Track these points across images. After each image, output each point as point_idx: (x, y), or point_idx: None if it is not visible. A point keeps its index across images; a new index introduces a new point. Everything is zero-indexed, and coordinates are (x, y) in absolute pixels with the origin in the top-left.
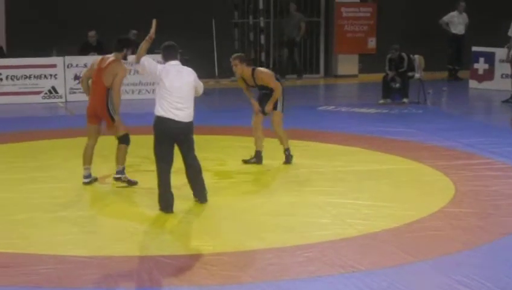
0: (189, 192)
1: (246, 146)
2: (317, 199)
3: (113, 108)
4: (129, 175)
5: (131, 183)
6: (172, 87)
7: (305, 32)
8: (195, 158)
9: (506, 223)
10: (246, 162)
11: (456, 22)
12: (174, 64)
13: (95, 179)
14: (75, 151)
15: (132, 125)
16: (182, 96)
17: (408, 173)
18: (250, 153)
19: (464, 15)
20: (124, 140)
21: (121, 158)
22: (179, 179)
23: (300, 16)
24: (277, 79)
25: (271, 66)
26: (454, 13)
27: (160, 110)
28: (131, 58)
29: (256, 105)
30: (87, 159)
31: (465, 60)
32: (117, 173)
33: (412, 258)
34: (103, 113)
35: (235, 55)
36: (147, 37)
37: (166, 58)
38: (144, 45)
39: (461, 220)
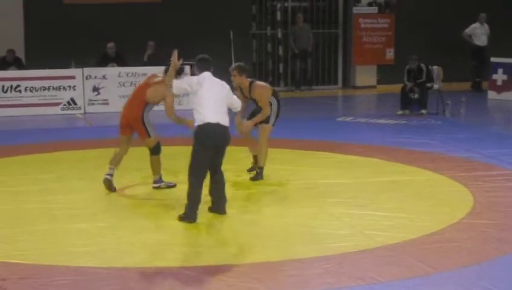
0: (205, 202)
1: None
2: (336, 210)
3: (150, 125)
4: (137, 188)
5: (170, 186)
6: (209, 96)
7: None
8: (222, 172)
9: None
10: (250, 171)
11: (479, 33)
12: (207, 76)
13: (113, 188)
14: (93, 162)
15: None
16: (218, 105)
17: (427, 184)
18: (270, 164)
19: (486, 26)
20: (154, 151)
21: (156, 168)
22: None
23: (309, 26)
24: (274, 94)
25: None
26: (476, 25)
27: (202, 118)
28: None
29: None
30: (114, 162)
31: (487, 71)
32: (155, 182)
33: (432, 270)
34: (137, 125)
35: (235, 65)
36: (172, 65)
37: (200, 69)
38: (171, 72)
39: (480, 232)
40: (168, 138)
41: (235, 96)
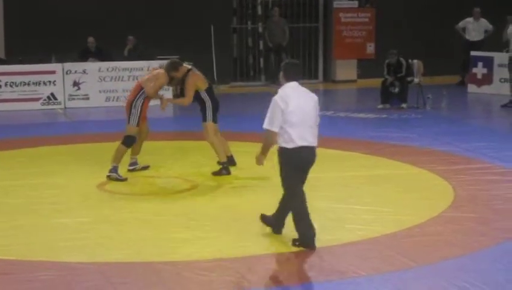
0: (187, 197)
1: (247, 151)
2: (317, 204)
3: (135, 114)
4: (119, 183)
5: (120, 179)
6: (297, 112)
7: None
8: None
9: (506, 228)
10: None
11: (471, 28)
12: (293, 87)
13: (143, 168)
14: (74, 157)
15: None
16: (306, 121)
17: (407, 178)
18: (250, 158)
19: (482, 21)
20: (125, 140)
21: (116, 156)
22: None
23: (284, 20)
24: (210, 87)
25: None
26: (469, 19)
27: (290, 139)
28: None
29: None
30: (133, 151)
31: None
32: (109, 170)
33: (413, 263)
34: (126, 108)
35: (168, 64)
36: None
37: (288, 77)
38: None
39: (461, 225)
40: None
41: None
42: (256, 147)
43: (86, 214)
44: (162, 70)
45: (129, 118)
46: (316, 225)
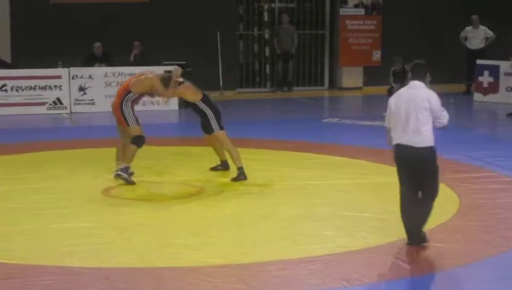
0: (191, 202)
1: (251, 157)
2: (322, 211)
3: (129, 115)
4: (122, 188)
5: (129, 182)
6: (400, 113)
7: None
8: (427, 196)
9: (511, 237)
10: (214, 169)
11: (470, 36)
12: (412, 85)
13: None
14: (79, 162)
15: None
16: (409, 122)
17: None
18: (255, 165)
19: (482, 29)
20: (134, 141)
21: (127, 156)
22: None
23: (293, 28)
24: (205, 97)
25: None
26: (468, 28)
27: (394, 139)
28: None
29: None
30: (117, 156)
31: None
32: (120, 169)
33: (417, 271)
34: (117, 112)
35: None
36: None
37: (413, 77)
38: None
39: (466, 233)
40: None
41: (442, 112)
42: (261, 154)
43: (90, 219)
44: (151, 75)
45: (126, 121)
46: (320, 232)
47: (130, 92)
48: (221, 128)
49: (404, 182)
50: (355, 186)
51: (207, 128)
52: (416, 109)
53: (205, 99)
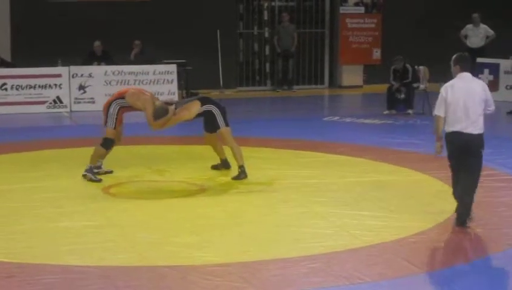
0: (192, 201)
1: (252, 156)
2: (322, 209)
3: (112, 117)
4: (123, 186)
5: (94, 180)
6: (454, 102)
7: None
8: (469, 176)
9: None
10: (214, 167)
11: (471, 34)
12: (464, 76)
13: (106, 172)
14: (79, 161)
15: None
16: (464, 110)
17: (413, 184)
18: (256, 163)
19: (482, 27)
20: (104, 142)
21: (93, 157)
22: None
23: (293, 26)
24: (204, 100)
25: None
26: (469, 26)
27: (447, 125)
28: None
29: None
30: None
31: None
32: (85, 170)
33: (418, 269)
34: (104, 110)
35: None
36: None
37: (462, 69)
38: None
39: (466, 232)
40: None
41: (491, 98)
42: (262, 152)
43: (91, 218)
44: (149, 97)
45: (107, 120)
46: (320, 230)
47: (124, 98)
48: (227, 125)
49: (456, 166)
50: (355, 185)
51: (211, 126)
52: (475, 99)
53: (205, 103)
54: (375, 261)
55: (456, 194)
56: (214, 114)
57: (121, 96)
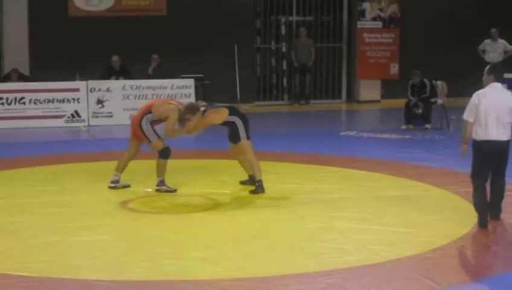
0: (209, 215)
1: (269, 170)
2: (340, 224)
3: (149, 131)
4: (140, 201)
5: (170, 191)
6: (486, 110)
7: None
8: (502, 180)
9: None
10: (243, 183)
11: (489, 49)
12: (493, 87)
13: (123, 186)
14: (97, 175)
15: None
16: (496, 119)
17: (431, 199)
18: (272, 177)
19: (501, 42)
20: (161, 154)
21: (159, 171)
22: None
23: (311, 41)
24: (232, 110)
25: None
26: (487, 41)
27: (477, 133)
28: None
29: None
30: (119, 167)
31: None
32: (157, 184)
33: (436, 286)
34: (136, 129)
35: (185, 108)
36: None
37: (495, 79)
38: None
39: (485, 248)
40: (174, 150)
41: None
42: (279, 167)
43: (108, 232)
44: (173, 107)
45: (147, 138)
46: (338, 245)
47: (150, 112)
48: (248, 138)
49: (480, 173)
50: (373, 200)
51: (234, 138)
52: (505, 109)
53: (232, 112)
54: (393, 277)
55: (481, 200)
56: (237, 126)
57: (147, 110)
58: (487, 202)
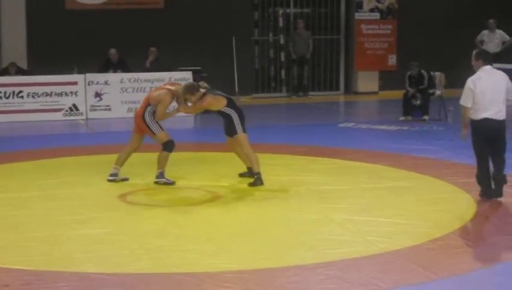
0: (207, 208)
1: (267, 163)
2: (338, 216)
3: (153, 123)
4: (139, 194)
5: (168, 183)
6: (484, 91)
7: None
8: (502, 157)
9: None
10: (242, 175)
11: (487, 40)
12: (486, 69)
13: (122, 179)
14: (95, 168)
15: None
16: (493, 99)
17: (429, 190)
18: (271, 170)
19: (498, 33)
20: (164, 147)
21: (160, 163)
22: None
23: (309, 33)
24: (230, 101)
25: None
26: (485, 32)
27: (477, 113)
28: None
29: None
30: (118, 161)
31: None
32: (156, 176)
33: (434, 276)
34: (140, 122)
35: (184, 88)
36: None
37: (485, 62)
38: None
39: (483, 238)
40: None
41: (511, 85)
42: (277, 159)
43: (107, 225)
44: (164, 91)
45: (150, 129)
46: (336, 237)
47: (149, 104)
48: (244, 131)
49: (481, 152)
50: (371, 191)
51: (230, 131)
52: (501, 89)
53: (230, 103)
54: (391, 268)
55: (484, 175)
56: (232, 119)
57: (147, 103)
58: (489, 175)
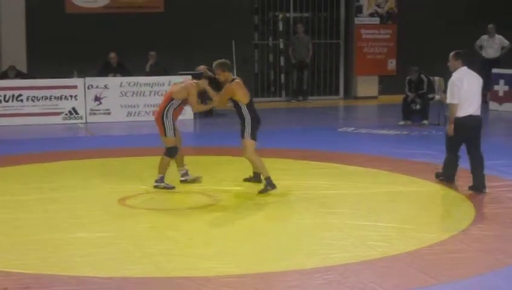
0: (207, 212)
1: (267, 167)
2: (338, 220)
3: (169, 125)
4: (138, 197)
5: (168, 188)
6: (469, 90)
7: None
8: (479, 151)
9: None
10: (246, 180)
11: (486, 45)
12: (465, 69)
13: (193, 180)
14: (95, 172)
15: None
16: (476, 97)
17: (429, 195)
18: (272, 175)
19: (497, 38)
20: (168, 152)
21: (161, 167)
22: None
23: (308, 37)
24: (251, 103)
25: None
26: (484, 37)
27: (465, 110)
28: None
29: None
30: (178, 162)
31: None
32: (156, 181)
33: (434, 281)
34: (158, 121)
35: (216, 63)
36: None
37: (463, 63)
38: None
39: (482, 243)
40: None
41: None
42: (276, 163)
43: (106, 229)
44: (189, 83)
45: (164, 130)
46: (335, 241)
47: (172, 99)
48: (253, 138)
49: (455, 148)
50: (371, 196)
51: (241, 133)
52: (479, 88)
53: (250, 106)
54: (391, 273)
55: (452, 164)
56: (245, 121)
57: (169, 99)
58: (457, 164)
